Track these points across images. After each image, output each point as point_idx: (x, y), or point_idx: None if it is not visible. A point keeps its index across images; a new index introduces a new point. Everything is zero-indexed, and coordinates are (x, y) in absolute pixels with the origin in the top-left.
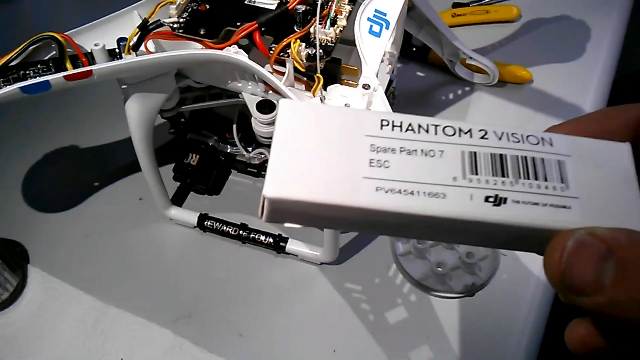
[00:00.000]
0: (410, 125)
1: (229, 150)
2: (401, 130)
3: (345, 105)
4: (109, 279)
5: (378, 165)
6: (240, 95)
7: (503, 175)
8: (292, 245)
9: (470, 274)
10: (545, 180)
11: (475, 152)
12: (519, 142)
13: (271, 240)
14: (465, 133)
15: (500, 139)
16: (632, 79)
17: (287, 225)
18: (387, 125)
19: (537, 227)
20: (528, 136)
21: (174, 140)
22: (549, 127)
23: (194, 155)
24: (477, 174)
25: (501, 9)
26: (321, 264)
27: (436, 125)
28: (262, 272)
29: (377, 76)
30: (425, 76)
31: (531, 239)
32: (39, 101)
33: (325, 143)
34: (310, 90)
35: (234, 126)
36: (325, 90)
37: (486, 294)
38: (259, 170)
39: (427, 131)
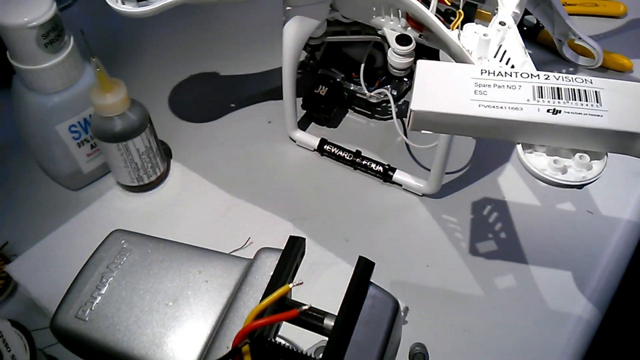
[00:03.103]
0: (499, 72)
1: (352, 88)
2: (494, 75)
3: (484, 35)
4: (238, 182)
5: (480, 93)
6: (379, 31)
7: (559, 98)
8: (398, 175)
9: (582, 170)
10: (587, 100)
11: (541, 86)
12: (570, 81)
13: (381, 168)
14: (535, 76)
15: (557, 79)
16: None
17: (423, 131)
18: (485, 72)
19: (579, 126)
20: (576, 78)
21: (302, 78)
22: None
23: (323, 87)
24: (542, 97)
25: (609, 4)
26: (423, 195)
27: (516, 72)
28: (369, 195)
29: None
30: (533, 53)
31: (578, 136)
32: (191, 25)
33: (447, 81)
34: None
35: (362, 66)
36: (462, 28)
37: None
38: (373, 112)
39: (510, 75)
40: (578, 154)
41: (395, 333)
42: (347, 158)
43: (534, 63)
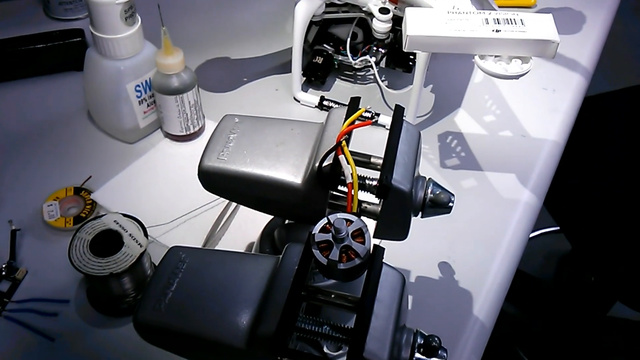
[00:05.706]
0: (459, 12)
1: (340, 58)
2: (456, 14)
3: None
4: None
5: (449, 21)
6: (364, 8)
7: (499, 24)
8: (382, 118)
9: (517, 68)
10: (515, 24)
11: (487, 18)
12: (505, 14)
13: (369, 114)
14: (482, 13)
15: (497, 14)
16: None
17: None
18: (450, 12)
19: (512, 39)
20: (507, 12)
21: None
22: None
23: (319, 57)
24: (488, 24)
25: None
26: None
27: (470, 12)
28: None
29: None
30: None
31: (512, 46)
32: (212, 14)
33: (427, 18)
34: None
35: (348, 40)
36: None
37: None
38: (356, 79)
39: (467, 13)
40: (514, 59)
41: None
42: None
43: None
